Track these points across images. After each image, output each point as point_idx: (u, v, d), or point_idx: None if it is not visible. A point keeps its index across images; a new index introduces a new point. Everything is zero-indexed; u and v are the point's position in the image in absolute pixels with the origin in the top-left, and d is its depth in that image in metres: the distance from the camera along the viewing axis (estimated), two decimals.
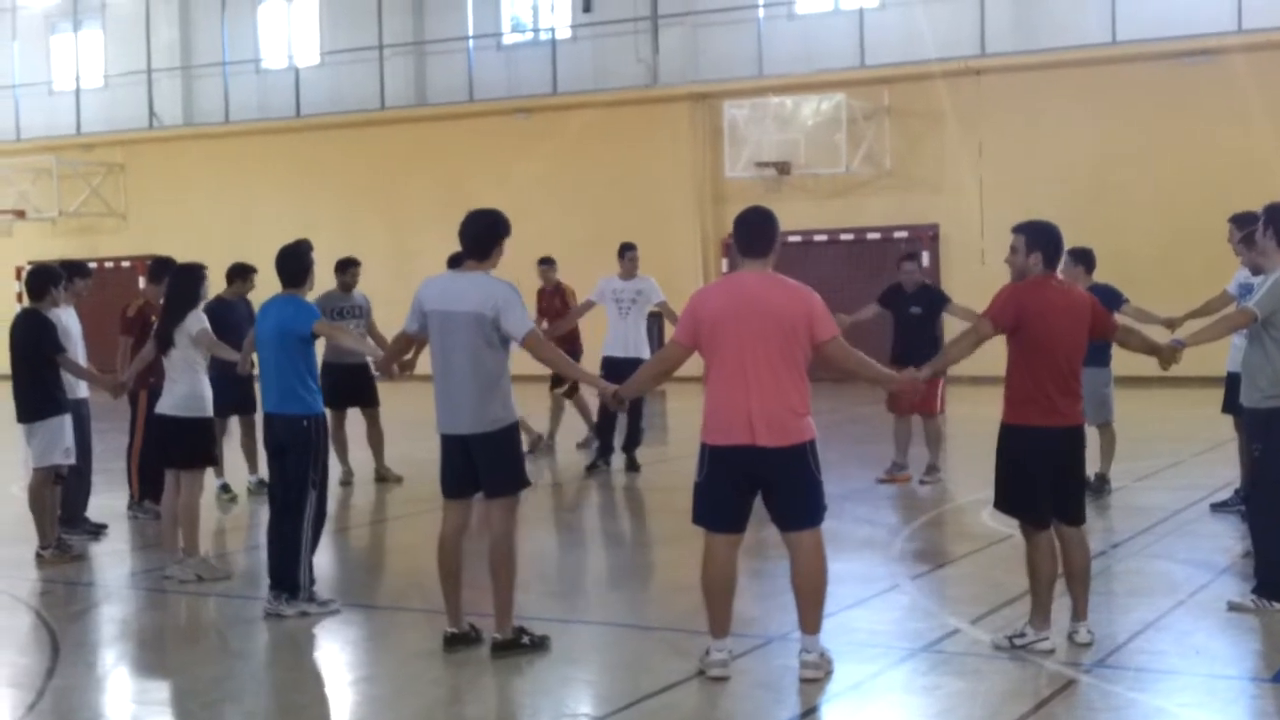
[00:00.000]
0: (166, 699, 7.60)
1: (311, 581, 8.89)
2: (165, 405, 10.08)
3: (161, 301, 10.75)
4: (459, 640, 7.87)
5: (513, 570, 7.77)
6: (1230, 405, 11.33)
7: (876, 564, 10.09)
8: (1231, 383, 11.22)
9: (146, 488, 12.19)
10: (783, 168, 26.34)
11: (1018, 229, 7.79)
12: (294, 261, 9.02)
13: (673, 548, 11.14)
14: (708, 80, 27.60)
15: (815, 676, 7.16)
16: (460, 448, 7.76)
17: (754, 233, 7.26)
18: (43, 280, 10.80)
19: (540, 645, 7.80)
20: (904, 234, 25.64)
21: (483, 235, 7.78)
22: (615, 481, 14.52)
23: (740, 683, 7.22)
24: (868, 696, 7.13)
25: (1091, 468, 12.63)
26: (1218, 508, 11.53)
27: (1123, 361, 12.01)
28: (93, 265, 12.49)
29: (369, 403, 14.50)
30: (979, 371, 10.10)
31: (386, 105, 30.60)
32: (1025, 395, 7.55)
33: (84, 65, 34.39)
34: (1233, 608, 8.40)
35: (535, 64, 29.33)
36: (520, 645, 7.74)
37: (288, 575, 8.81)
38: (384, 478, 14.48)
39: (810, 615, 7.23)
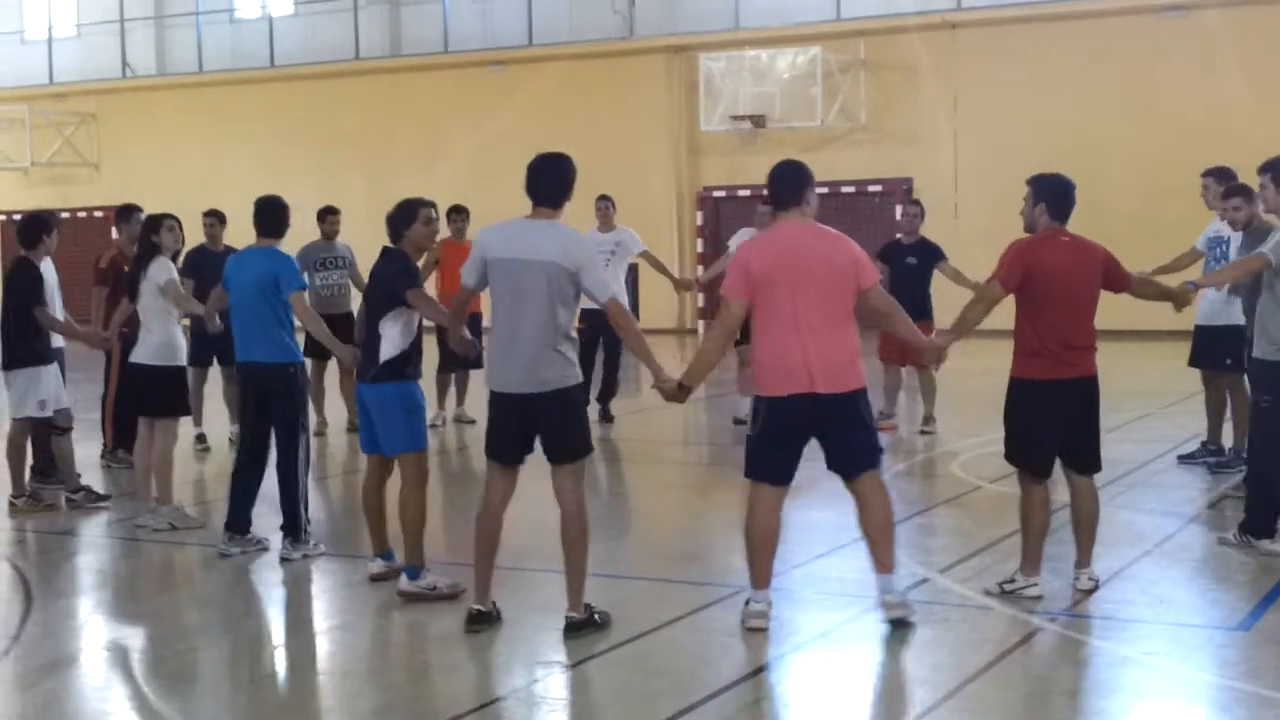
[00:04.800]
0: (140, 646, 7.64)
1: (307, 521, 9.10)
2: (139, 354, 10.08)
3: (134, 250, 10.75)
4: (483, 619, 7.38)
5: (587, 544, 7.31)
6: (1198, 359, 11.43)
7: (847, 513, 10.09)
8: (1200, 336, 11.32)
9: (120, 437, 12.19)
10: (758, 121, 26.31)
11: (1029, 180, 7.89)
12: (267, 213, 9.13)
13: (646, 498, 11.23)
14: (684, 32, 27.52)
15: (904, 615, 7.23)
16: (520, 408, 7.23)
17: (786, 184, 7.28)
18: (35, 229, 10.76)
19: (606, 623, 7.33)
20: (878, 187, 25.67)
21: (558, 181, 7.36)
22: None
23: (711, 631, 7.30)
24: (837, 643, 7.22)
25: None
26: (1185, 459, 11.64)
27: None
28: (65, 215, 12.41)
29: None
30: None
31: (361, 56, 30.43)
32: (1033, 348, 7.63)
33: (56, 14, 34.08)
34: (1221, 542, 8.65)
35: (511, 15, 29.17)
36: (594, 623, 7.27)
37: (291, 521, 9.02)
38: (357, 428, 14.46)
39: (886, 555, 7.33)
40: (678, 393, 7.32)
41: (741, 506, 9.52)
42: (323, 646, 7.53)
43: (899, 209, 14.47)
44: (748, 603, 7.36)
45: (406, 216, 8.15)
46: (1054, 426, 7.65)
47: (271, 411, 9.09)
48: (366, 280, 8.49)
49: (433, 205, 8.34)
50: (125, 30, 32.89)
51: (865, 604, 7.76)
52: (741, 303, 7.16)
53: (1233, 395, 11.27)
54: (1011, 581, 7.76)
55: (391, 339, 8.02)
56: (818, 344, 7.06)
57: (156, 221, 10.20)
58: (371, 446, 8.31)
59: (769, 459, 7.26)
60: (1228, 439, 11.41)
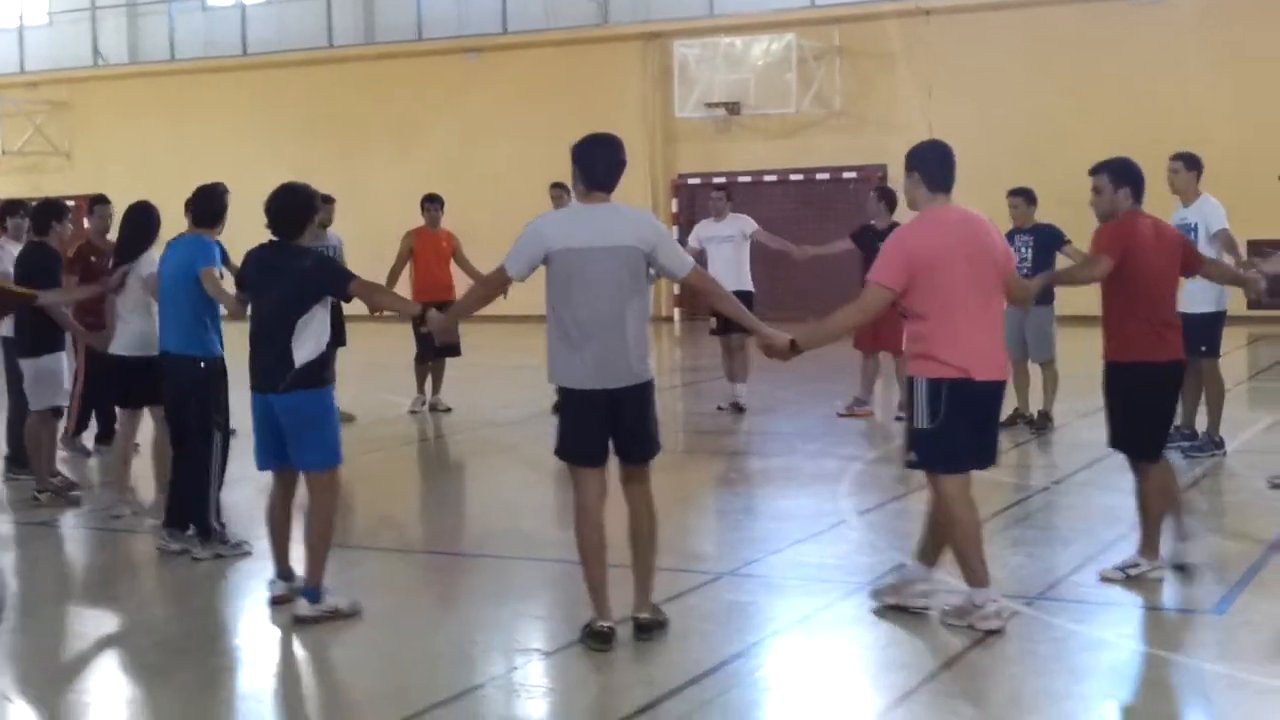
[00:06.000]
0: (118, 637, 7.62)
1: (221, 524, 8.86)
2: (120, 346, 9.79)
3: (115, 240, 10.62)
4: (608, 638, 6.84)
5: (657, 542, 7.09)
6: None
7: (825, 500, 10.20)
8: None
9: (82, 425, 12.13)
10: (732, 108, 26.33)
11: (1097, 169, 7.92)
12: (203, 202, 8.93)
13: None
14: (658, 20, 27.50)
15: (924, 606, 7.19)
16: (608, 404, 6.83)
17: (949, 164, 7.13)
18: (46, 215, 10.62)
19: (667, 621, 7.06)
20: (853, 174, 25.71)
21: (615, 164, 6.99)
22: None
23: (688, 617, 7.30)
24: (815, 629, 7.24)
25: (1035, 405, 12.84)
26: None
27: (1066, 300, 12.18)
28: (35, 204, 12.17)
29: (338, 344, 14.25)
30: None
31: (334, 43, 30.32)
32: (1133, 331, 7.72)
33: (28, 2, 33.89)
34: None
35: (485, 2, 29.08)
36: (662, 624, 7.02)
37: (199, 521, 8.76)
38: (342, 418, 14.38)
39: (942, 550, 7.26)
40: (788, 350, 7.01)
41: (719, 493, 9.57)
42: (301, 636, 7.50)
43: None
44: (975, 605, 6.94)
45: (312, 206, 7.63)
46: (1155, 407, 7.82)
47: (185, 408, 8.79)
48: (255, 278, 7.62)
49: None
50: (97, 18, 32.71)
51: (844, 589, 7.79)
52: (892, 293, 6.83)
53: (1206, 381, 11.33)
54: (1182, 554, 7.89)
55: (311, 341, 7.40)
56: (995, 331, 7.00)
57: (146, 211, 9.97)
58: (275, 461, 7.66)
59: (965, 442, 6.89)
60: (1201, 424, 11.47)
